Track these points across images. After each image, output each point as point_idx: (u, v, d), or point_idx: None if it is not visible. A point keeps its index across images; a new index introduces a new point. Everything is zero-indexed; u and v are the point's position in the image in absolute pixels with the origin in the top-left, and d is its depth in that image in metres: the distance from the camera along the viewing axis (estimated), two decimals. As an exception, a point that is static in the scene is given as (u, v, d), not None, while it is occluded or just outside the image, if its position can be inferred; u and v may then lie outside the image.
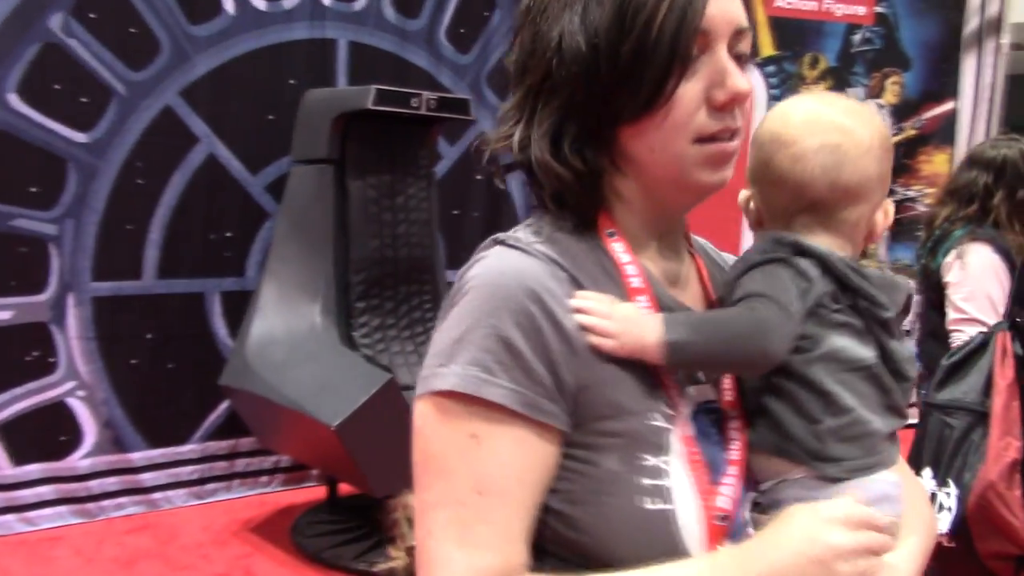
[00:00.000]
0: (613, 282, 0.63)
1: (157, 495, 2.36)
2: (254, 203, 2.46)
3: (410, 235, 2.39)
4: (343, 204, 2.33)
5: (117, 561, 2.09)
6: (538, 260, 0.62)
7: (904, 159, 3.37)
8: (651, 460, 0.60)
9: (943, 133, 3.39)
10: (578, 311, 0.60)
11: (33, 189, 2.18)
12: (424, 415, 0.62)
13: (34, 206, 2.19)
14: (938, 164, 3.40)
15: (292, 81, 2.47)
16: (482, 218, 2.85)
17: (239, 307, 2.47)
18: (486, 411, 0.59)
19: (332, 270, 2.29)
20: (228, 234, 2.43)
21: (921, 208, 3.49)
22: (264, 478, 2.52)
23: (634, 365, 0.61)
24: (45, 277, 2.21)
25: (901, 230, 3.45)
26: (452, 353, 0.60)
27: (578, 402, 0.60)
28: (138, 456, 2.34)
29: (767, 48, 3.20)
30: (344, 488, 2.43)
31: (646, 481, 0.59)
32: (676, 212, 0.68)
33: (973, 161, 1.67)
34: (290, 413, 2.00)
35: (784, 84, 3.23)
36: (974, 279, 1.57)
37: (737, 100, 0.62)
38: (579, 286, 0.62)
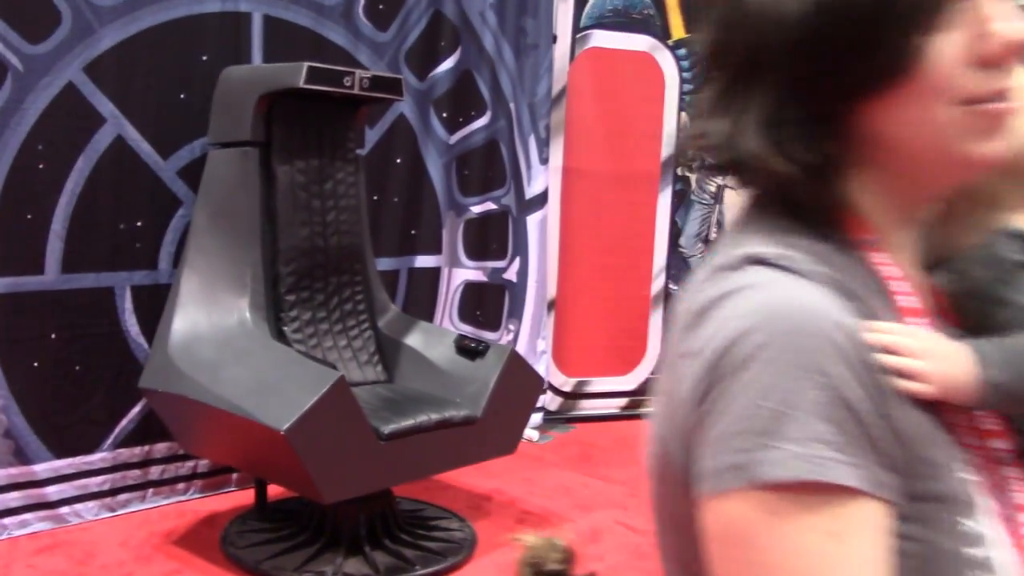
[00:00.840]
0: (885, 304, 0.51)
1: (64, 509, 2.16)
2: (166, 189, 2.27)
3: (340, 222, 2.26)
4: (269, 190, 2.18)
5: (30, 586, 1.90)
6: (822, 286, 0.49)
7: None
8: (967, 523, 0.49)
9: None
10: (883, 350, 0.48)
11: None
12: (746, 517, 0.46)
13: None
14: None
15: (204, 57, 2.28)
16: (402, 204, 2.73)
17: (152, 302, 2.28)
18: (839, 499, 0.45)
19: (259, 261, 2.14)
20: (138, 223, 2.23)
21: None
22: (181, 485, 2.34)
23: (927, 406, 0.50)
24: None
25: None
26: (776, 428, 0.45)
27: (897, 463, 0.47)
28: (42, 468, 2.13)
29: (679, 31, 3.18)
30: (273, 492, 2.30)
31: (970, 551, 0.49)
32: (930, 202, 0.56)
33: None
34: (228, 417, 1.85)
35: (695, 66, 3.21)
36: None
37: (1011, 51, 0.50)
38: (866, 315, 0.49)
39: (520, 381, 2.21)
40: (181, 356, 2.00)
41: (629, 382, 3.26)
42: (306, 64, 2.03)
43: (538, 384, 2.27)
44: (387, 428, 1.94)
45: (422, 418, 2.01)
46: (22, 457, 2.11)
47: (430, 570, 2.01)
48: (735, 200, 3.49)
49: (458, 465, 2.12)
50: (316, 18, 2.45)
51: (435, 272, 2.84)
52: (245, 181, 2.13)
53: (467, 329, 2.85)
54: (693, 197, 3.26)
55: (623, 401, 3.26)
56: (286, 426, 1.74)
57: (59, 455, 2.16)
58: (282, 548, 2.05)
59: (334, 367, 1.97)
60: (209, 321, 2.06)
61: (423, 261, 2.80)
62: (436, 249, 2.82)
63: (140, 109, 2.21)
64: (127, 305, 2.22)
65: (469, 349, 2.20)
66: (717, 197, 3.29)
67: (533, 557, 0.67)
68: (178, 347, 2.03)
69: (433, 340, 2.30)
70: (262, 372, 1.90)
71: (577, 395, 3.17)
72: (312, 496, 1.90)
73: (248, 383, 1.88)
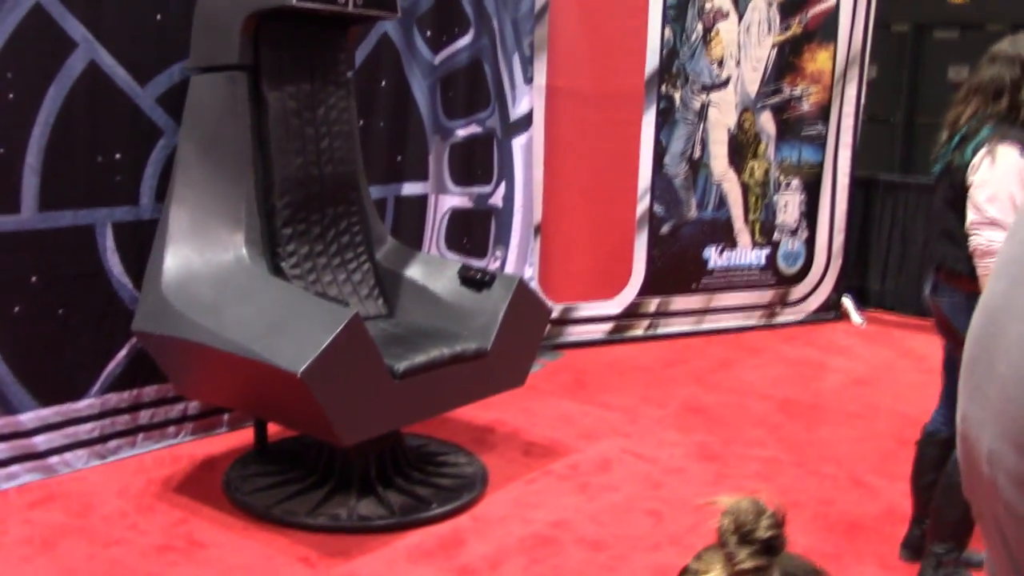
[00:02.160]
0: None
1: (54, 459, 2.05)
2: (145, 118, 2.12)
3: (334, 150, 2.14)
4: (259, 117, 2.04)
5: (30, 543, 1.79)
6: None
7: (790, 57, 3.35)
8: None
9: (825, 30, 3.38)
10: None
11: None
12: None
13: None
14: (821, 62, 3.40)
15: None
16: (388, 129, 2.61)
17: (135, 240, 2.15)
18: None
19: (253, 193, 2.02)
20: (117, 156, 2.09)
21: (806, 107, 3.52)
22: (172, 428, 2.25)
23: None
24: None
25: (788, 129, 3.46)
26: None
27: None
28: (28, 417, 2.01)
29: (661, -59, 3.07)
30: (271, 431, 2.22)
31: None
32: None
33: (995, 57, 1.61)
34: (236, 360, 1.75)
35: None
36: (998, 180, 1.52)
37: None
38: None
39: (528, 312, 2.14)
40: (177, 296, 1.89)
41: (615, 306, 3.21)
42: (297, -19, 1.90)
43: (545, 314, 2.20)
44: (401, 365, 1.87)
45: (434, 353, 1.94)
46: (7, 407, 1.99)
47: (447, 508, 1.95)
48: (718, 118, 3.43)
49: (470, 400, 2.06)
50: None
51: (422, 199, 2.73)
52: (234, 108, 2.00)
53: (454, 257, 2.76)
54: (677, 116, 3.18)
55: (609, 325, 3.22)
56: (303, 368, 1.66)
57: (45, 403, 2.04)
58: (290, 492, 1.98)
59: (345, 304, 1.88)
60: (203, 259, 1.95)
61: (410, 188, 2.69)
62: (423, 176, 2.71)
63: (113, 32, 2.05)
64: (108, 244, 2.09)
65: (474, 280, 2.12)
66: (701, 115, 3.22)
67: (738, 524, 0.60)
68: (172, 287, 1.91)
69: (434, 271, 2.21)
70: (268, 311, 1.80)
71: (564, 321, 3.12)
72: (328, 438, 1.83)
73: (255, 323, 1.78)
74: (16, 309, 1.98)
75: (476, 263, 2.82)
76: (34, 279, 2.00)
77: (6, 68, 1.92)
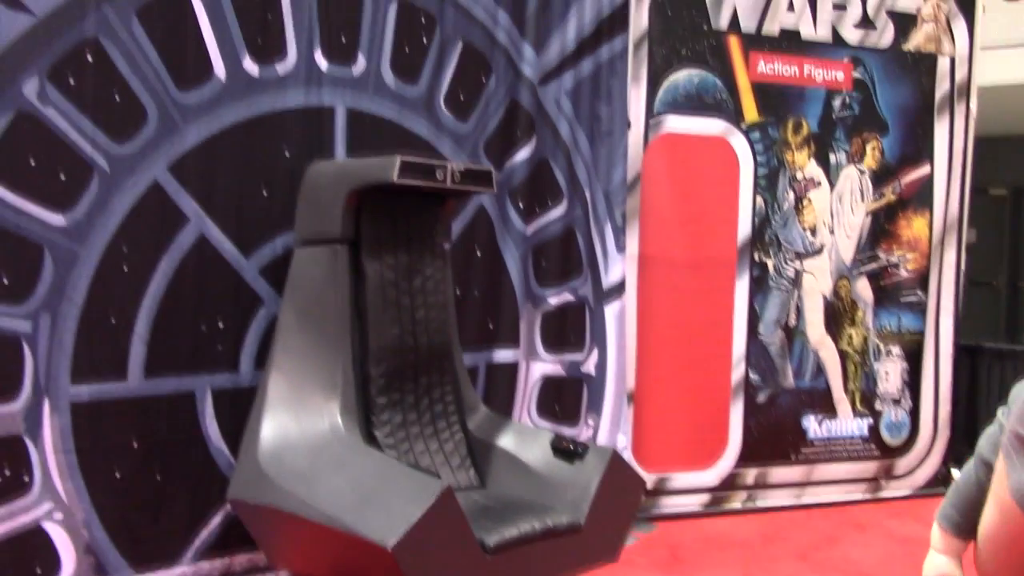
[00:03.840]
0: None
1: (143, 626, 2.06)
2: (248, 288, 2.20)
3: (429, 320, 2.17)
4: (358, 288, 2.10)
5: None
6: None
7: (884, 224, 3.33)
8: None
9: (920, 197, 3.36)
10: None
11: (3, 280, 1.89)
12: None
13: (4, 299, 1.89)
14: (918, 228, 3.37)
15: (287, 153, 2.24)
16: (481, 297, 2.65)
17: (233, 406, 2.20)
18: None
19: (349, 362, 2.05)
20: (220, 324, 2.16)
21: (904, 273, 3.48)
22: (262, 598, 2.23)
23: None
24: (17, 382, 1.90)
25: (885, 296, 3.41)
26: None
27: None
28: (123, 583, 2.03)
29: (752, 114, 3.13)
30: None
31: None
32: None
33: None
34: (327, 531, 1.74)
35: (769, 150, 3.16)
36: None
37: None
38: None
39: (622, 484, 2.09)
40: (272, 465, 1.91)
41: (711, 476, 3.12)
42: (399, 157, 1.97)
43: (640, 486, 2.15)
44: (492, 540, 1.83)
45: (526, 528, 1.90)
46: (103, 573, 2.01)
47: None
48: (813, 285, 3.40)
49: (563, 575, 2.00)
50: (399, 110, 2.40)
51: (513, 366, 2.74)
52: (334, 279, 2.06)
53: (545, 424, 2.74)
54: (771, 283, 3.17)
55: (705, 497, 3.12)
56: (393, 541, 1.63)
57: (139, 569, 2.05)
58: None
59: (437, 475, 1.87)
60: (299, 426, 1.97)
61: (501, 355, 2.70)
62: (514, 342, 2.73)
63: (223, 207, 2.15)
64: (208, 409, 2.14)
65: (567, 451, 2.09)
66: (795, 282, 3.20)
67: None
68: (268, 455, 1.93)
69: (526, 441, 2.19)
70: (360, 482, 1.80)
71: (658, 492, 3.04)
72: (416, 614, 1.79)
73: (347, 494, 1.77)
74: (118, 474, 2.02)
75: (568, 431, 2.79)
76: (136, 444, 2.04)
77: (123, 242, 2.02)
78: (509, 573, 1.84)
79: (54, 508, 1.94)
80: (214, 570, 2.15)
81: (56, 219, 1.94)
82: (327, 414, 1.97)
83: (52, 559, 1.94)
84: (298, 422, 1.97)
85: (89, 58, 1.98)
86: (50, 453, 1.93)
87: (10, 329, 1.89)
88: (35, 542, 1.93)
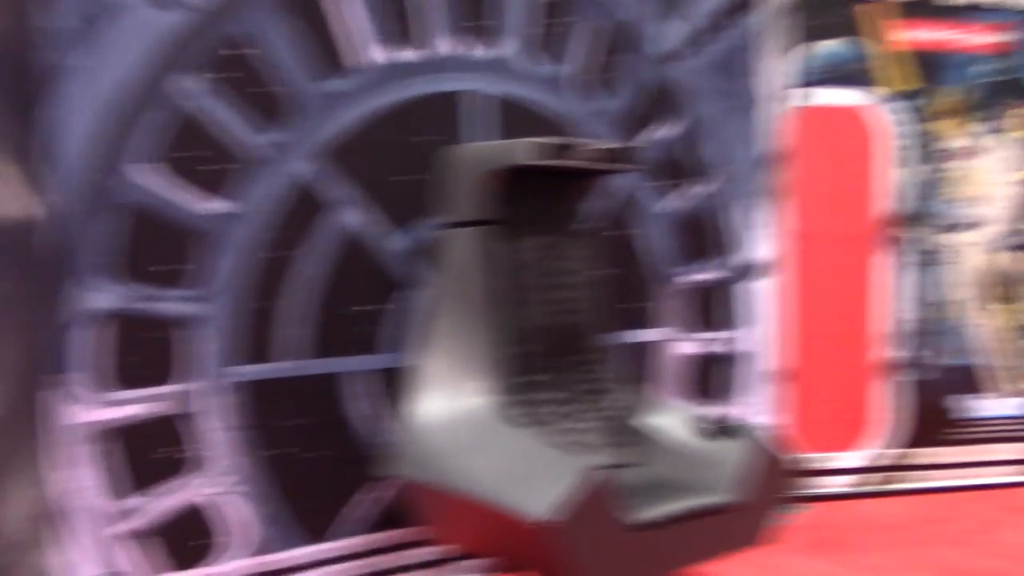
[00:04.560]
0: None
1: (299, 601, 2.14)
2: (390, 272, 2.25)
3: (572, 300, 2.18)
4: (503, 269, 2.12)
5: None
6: None
7: (1044, 192, 3.16)
8: None
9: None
10: None
11: (161, 267, 1.98)
12: None
13: (162, 286, 1.98)
14: (1081, 196, 3.19)
15: (426, 137, 2.28)
16: (620, 276, 2.64)
17: (379, 387, 2.26)
18: None
19: (494, 343, 2.08)
20: (364, 307, 2.21)
21: (1068, 244, 3.30)
22: (410, 574, 2.29)
23: None
24: (181, 364, 2.00)
25: (1047, 268, 3.24)
26: None
27: None
28: (285, 556, 2.11)
29: (902, 82, 3.01)
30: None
31: None
32: None
33: None
34: (478, 508, 1.77)
35: (919, 119, 3.04)
36: None
37: None
38: None
39: (772, 464, 2.05)
40: (419, 442, 1.95)
41: (864, 457, 3.04)
42: (537, 139, 1.98)
43: (790, 466, 2.10)
44: (639, 517, 1.82)
45: (676, 506, 1.88)
46: (267, 546, 2.09)
47: (689, 672, 1.87)
48: (966, 259, 3.25)
49: (711, 556, 1.97)
50: (536, 90, 2.40)
51: (654, 346, 2.72)
52: (477, 261, 2.09)
53: (690, 405, 2.71)
54: (923, 257, 3.05)
55: (858, 477, 3.04)
56: (543, 517, 1.65)
57: (298, 543, 2.13)
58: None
59: (584, 454, 1.88)
60: (444, 406, 2.01)
61: (642, 335, 2.68)
62: (655, 322, 2.71)
63: (363, 194, 2.20)
64: (353, 391, 2.20)
65: (715, 431, 2.07)
66: (947, 256, 3.07)
67: None
68: (415, 433, 1.97)
69: (672, 420, 2.17)
70: (511, 459, 1.82)
71: (810, 472, 2.97)
72: (565, 592, 1.80)
73: (498, 471, 1.80)
74: (275, 452, 2.10)
75: (714, 411, 2.75)
76: (290, 423, 2.12)
77: (272, 229, 2.09)
78: (658, 552, 1.84)
79: (217, 484, 2.04)
80: (362, 546, 2.22)
81: (208, 208, 2.02)
82: (472, 394, 2.00)
83: (219, 531, 2.04)
84: (446, 402, 2.01)
85: (236, 53, 2.06)
86: (214, 431, 2.03)
87: (177, 313, 1.98)
88: (199, 516, 2.03)
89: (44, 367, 1.87)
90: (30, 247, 1.83)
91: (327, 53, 2.20)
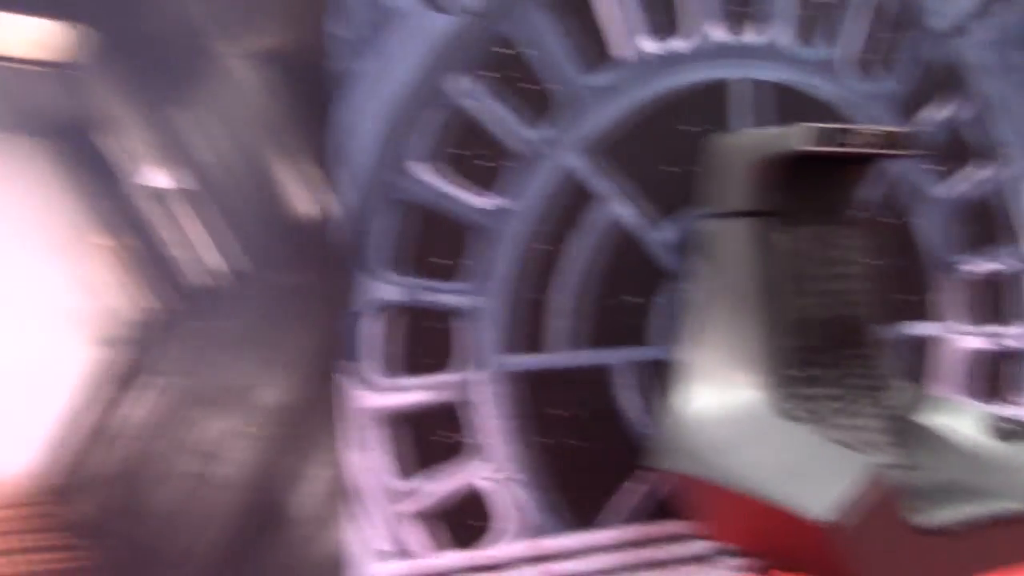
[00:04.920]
0: None
1: (570, 587, 2.18)
2: (658, 264, 2.25)
3: (845, 292, 2.09)
4: (771, 261, 2.07)
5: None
6: None
7: None
8: None
9: None
10: None
11: (440, 260, 2.08)
12: None
13: (442, 278, 2.08)
14: None
15: (691, 127, 2.26)
16: (896, 266, 2.51)
17: (647, 379, 2.26)
18: None
19: (763, 337, 2.03)
20: (633, 299, 2.22)
21: None
22: (679, 566, 2.28)
23: None
24: (457, 354, 2.09)
25: None
26: None
27: None
28: (555, 543, 2.16)
29: None
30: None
31: None
32: None
33: None
34: (752, 503, 1.74)
35: None
36: None
37: None
38: None
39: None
40: (691, 436, 1.94)
41: None
42: (808, 125, 1.92)
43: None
44: (928, 521, 1.72)
45: (969, 511, 1.76)
46: (537, 532, 2.15)
47: None
48: None
49: (1006, 566, 1.84)
50: (802, 75, 2.33)
51: (935, 340, 2.56)
52: (744, 252, 2.05)
53: (975, 403, 2.54)
54: None
55: None
56: (823, 516, 1.59)
57: (566, 530, 2.17)
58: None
59: (862, 451, 1.81)
60: (717, 399, 1.98)
61: (922, 328, 2.54)
62: (937, 315, 2.55)
63: (630, 185, 2.21)
64: (623, 381, 2.21)
65: (1009, 431, 1.92)
66: None
67: None
68: (687, 426, 1.96)
69: (958, 419, 2.04)
70: (784, 456, 1.77)
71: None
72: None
73: (771, 467, 1.76)
74: (546, 441, 2.16)
75: (1004, 411, 2.56)
76: (560, 413, 2.16)
77: (542, 223, 2.14)
78: (949, 559, 1.73)
79: (492, 469, 2.11)
80: (632, 536, 2.23)
81: (482, 203, 2.09)
82: (744, 388, 1.96)
83: (493, 515, 2.12)
84: (715, 395, 1.98)
85: (505, 51, 2.12)
86: (487, 419, 2.10)
87: (451, 305, 2.07)
88: (476, 499, 2.11)
89: (338, 354, 2.01)
90: (325, 242, 1.96)
91: (596, 47, 2.23)
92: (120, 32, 1.76)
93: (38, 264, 1.68)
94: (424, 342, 2.05)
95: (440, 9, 2.03)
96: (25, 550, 1.70)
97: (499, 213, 2.12)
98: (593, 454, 2.24)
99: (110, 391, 1.76)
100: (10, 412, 1.70)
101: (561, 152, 2.16)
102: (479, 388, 2.11)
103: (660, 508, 2.20)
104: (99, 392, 1.75)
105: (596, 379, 2.23)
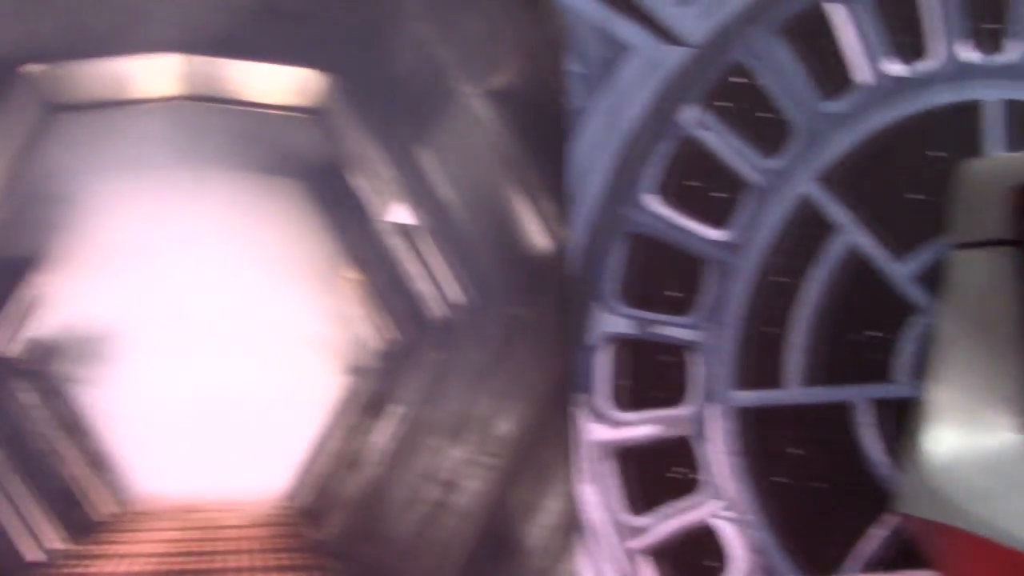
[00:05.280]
0: None
1: (812, 634, 2.09)
2: (901, 296, 2.14)
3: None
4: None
5: None
6: None
7: None
8: None
9: None
10: None
11: (671, 293, 2.06)
12: None
13: (673, 311, 2.06)
14: None
15: (936, 153, 2.14)
16: None
17: (891, 418, 2.15)
18: None
19: (1021, 374, 1.90)
20: (874, 333, 2.12)
21: None
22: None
23: None
24: (687, 387, 2.06)
25: None
26: None
27: None
28: (787, 587, 2.09)
29: None
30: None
31: None
32: None
33: None
34: (1011, 554, 1.62)
35: None
36: None
37: None
38: None
39: None
40: (942, 480, 1.82)
41: None
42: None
43: None
44: None
45: None
46: (768, 573, 2.08)
47: None
48: None
49: None
50: (1062, 94, 2.18)
51: None
52: (999, 283, 1.91)
53: None
54: None
55: None
56: (1101, 575, 1.47)
57: (803, 574, 2.09)
58: None
59: None
60: (970, 442, 1.85)
61: None
62: None
63: (871, 214, 2.11)
64: (865, 421, 2.11)
65: None
66: None
67: None
68: (936, 469, 1.84)
69: None
70: (1053, 506, 1.64)
71: None
72: None
73: (1038, 518, 1.63)
74: (779, 479, 2.09)
75: None
76: (796, 451, 2.09)
77: (775, 254, 2.09)
78: None
79: (723, 507, 2.06)
80: (877, 584, 2.12)
81: (715, 235, 2.06)
82: (1002, 429, 1.83)
83: (722, 555, 2.07)
84: (967, 437, 1.85)
85: (738, 80, 2.09)
86: (717, 454, 2.06)
87: (682, 339, 2.05)
88: (706, 537, 2.07)
89: (571, 387, 2.03)
90: (559, 276, 1.99)
91: (835, 72, 2.16)
92: (367, 77, 1.86)
93: (293, 297, 1.79)
94: (655, 376, 2.04)
95: (673, 41, 2.03)
96: (278, 568, 1.80)
97: (732, 245, 2.08)
98: (831, 496, 2.15)
99: (355, 418, 1.85)
100: (264, 436, 1.81)
101: (797, 181, 2.10)
102: (710, 424, 2.08)
103: (904, 556, 2.08)
104: (345, 419, 1.84)
105: (834, 417, 2.14)
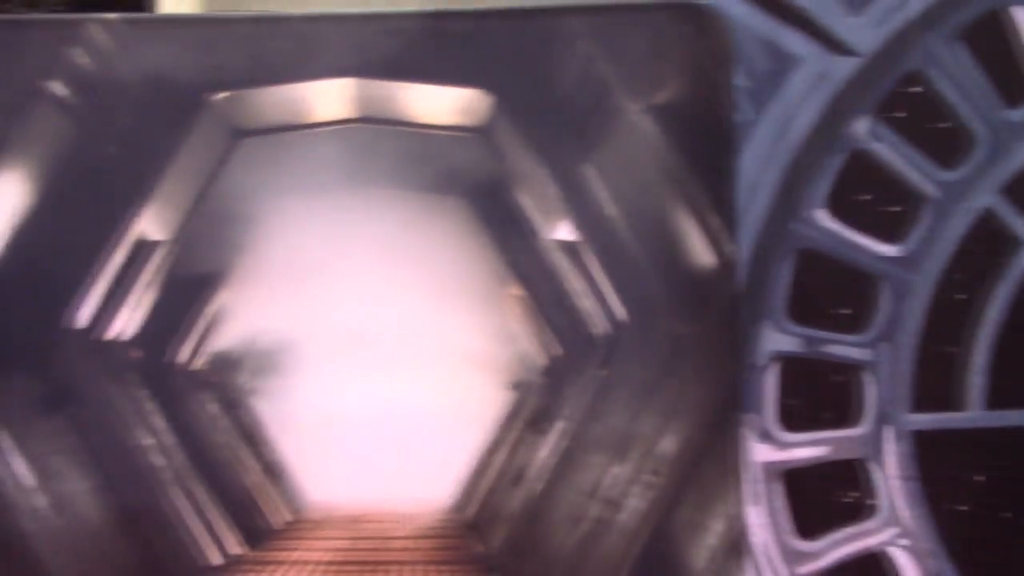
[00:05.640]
0: None
1: (995, 671, 1.98)
2: (1094, 315, 2.01)
3: None
4: None
5: None
6: None
7: None
8: None
9: None
10: None
11: (841, 311, 1.99)
12: None
13: (846, 329, 1.99)
14: None
15: None
16: None
17: (1084, 444, 2.03)
18: None
19: None
20: (1062, 354, 2.01)
21: None
22: (1122, 663, 2.00)
23: None
24: (860, 408, 1.99)
25: None
26: None
27: None
28: (967, 622, 1.98)
29: None
30: None
31: None
32: None
33: None
34: None
35: None
36: None
37: None
38: None
39: None
40: None
41: None
42: None
43: None
44: None
45: None
46: (947, 607, 1.99)
47: None
48: None
49: None
50: None
51: None
52: None
53: None
54: None
55: None
56: None
57: (985, 609, 1.99)
58: None
59: None
60: None
61: None
62: None
63: (1062, 227, 2.00)
64: (1054, 446, 1.99)
65: None
66: None
67: None
68: None
69: None
70: None
71: None
72: None
73: None
74: (961, 508, 1.98)
75: None
76: (979, 478, 1.98)
77: (955, 270, 1.98)
78: None
79: (898, 534, 1.97)
80: (1066, 623, 1.99)
81: (889, 250, 1.98)
82: None
83: (897, 586, 1.98)
84: None
85: (913, 90, 2.00)
86: (892, 479, 1.98)
87: (852, 357, 1.98)
88: (880, 565, 1.98)
89: (736, 406, 1.99)
90: (724, 293, 1.96)
91: (1016, 78, 2.05)
92: (531, 95, 1.88)
93: (459, 313, 1.82)
94: (823, 396, 1.97)
95: (843, 52, 1.96)
96: (443, 579, 1.82)
97: (906, 260, 2.00)
98: (1015, 526, 2.03)
99: (519, 433, 1.86)
100: (430, 449, 1.84)
101: (978, 194, 2.00)
102: (883, 447, 2.00)
103: (1100, 592, 1.95)
104: (508, 434, 1.86)
105: (1019, 442, 2.02)
